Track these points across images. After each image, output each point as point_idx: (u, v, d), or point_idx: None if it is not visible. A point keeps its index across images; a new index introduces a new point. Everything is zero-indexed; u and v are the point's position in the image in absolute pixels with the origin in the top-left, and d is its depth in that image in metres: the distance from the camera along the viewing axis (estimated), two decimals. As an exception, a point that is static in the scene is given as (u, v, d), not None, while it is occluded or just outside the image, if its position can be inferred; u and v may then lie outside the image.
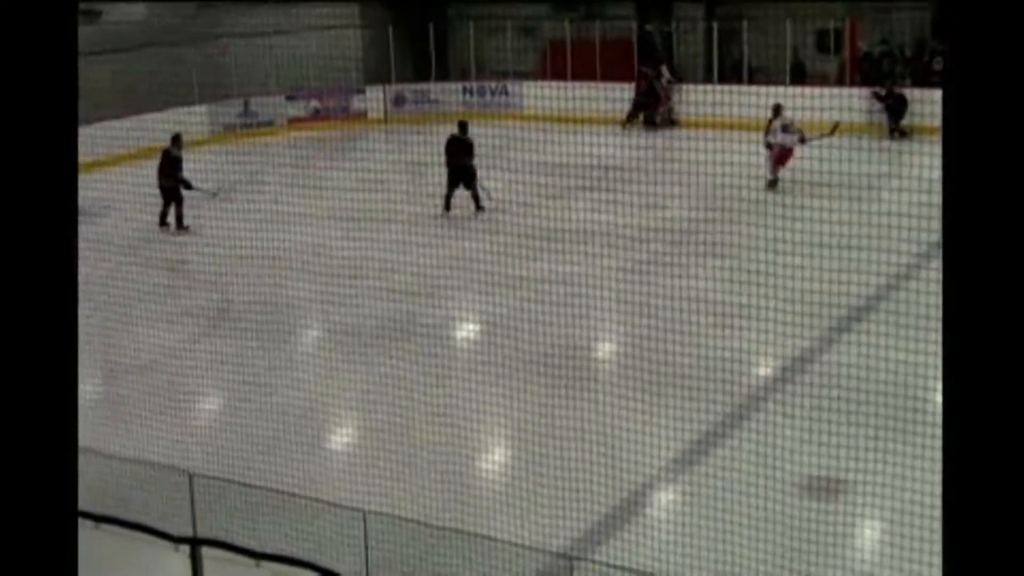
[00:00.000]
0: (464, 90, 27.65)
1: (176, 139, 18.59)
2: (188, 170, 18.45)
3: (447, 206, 18.23)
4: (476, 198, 18.11)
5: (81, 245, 13.43)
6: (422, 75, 28.38)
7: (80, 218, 14.17)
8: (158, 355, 12.38)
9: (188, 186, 18.19)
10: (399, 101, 27.73)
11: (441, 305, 13.48)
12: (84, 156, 18.58)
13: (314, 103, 26.86)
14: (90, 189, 18.22)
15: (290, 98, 26.41)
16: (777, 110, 19.25)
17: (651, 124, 25.49)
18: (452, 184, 18.23)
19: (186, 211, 18.13)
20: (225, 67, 25.41)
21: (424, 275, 13.89)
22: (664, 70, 26.06)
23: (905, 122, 23.20)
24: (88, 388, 12.70)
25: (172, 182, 18.26)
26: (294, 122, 26.12)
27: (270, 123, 26.16)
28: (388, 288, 13.04)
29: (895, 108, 23.63)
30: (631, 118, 25.57)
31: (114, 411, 11.14)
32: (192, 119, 22.80)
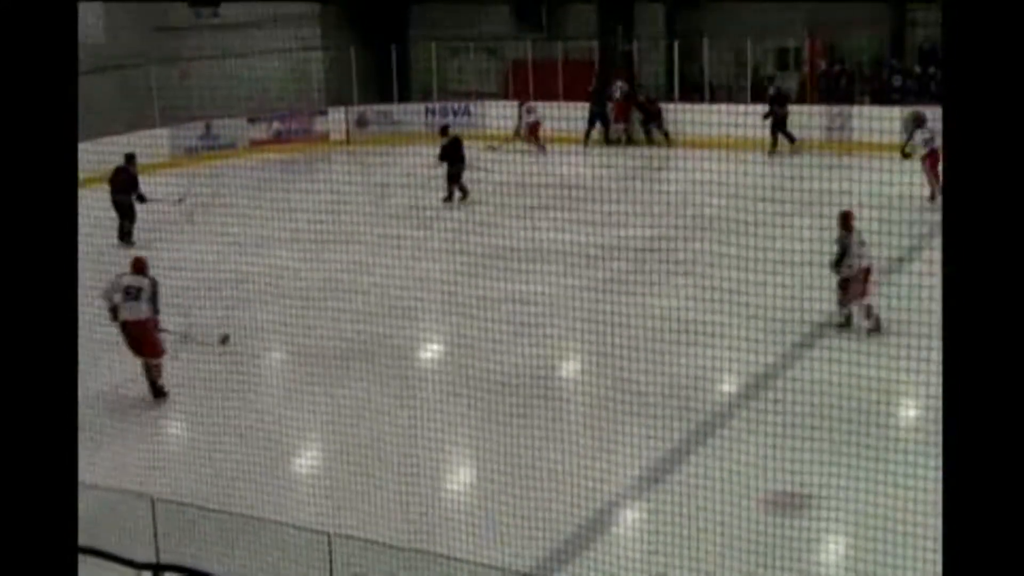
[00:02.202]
0: (427, 111, 27.71)
1: (130, 157, 18.96)
2: (150, 194, 18.45)
3: (449, 196, 20.19)
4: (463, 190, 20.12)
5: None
6: (385, 96, 28.43)
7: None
8: (121, 380, 12.27)
9: (143, 199, 18.49)
10: (362, 122, 27.75)
11: (405, 327, 13.46)
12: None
13: (276, 125, 26.81)
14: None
15: (252, 120, 26.35)
16: (919, 120, 18.31)
17: (611, 143, 25.59)
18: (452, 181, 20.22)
19: (147, 230, 18.13)
20: (186, 90, 25.32)
21: (387, 297, 13.87)
22: (618, 86, 26.17)
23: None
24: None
25: (127, 198, 18.57)
26: (256, 144, 26.05)
27: (232, 145, 26.06)
28: (351, 310, 13.01)
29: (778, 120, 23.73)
30: (587, 137, 25.66)
31: (95, 430, 11.05)
32: (153, 142, 22.73)
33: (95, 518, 8.51)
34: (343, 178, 21.44)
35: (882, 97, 25.40)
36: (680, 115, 23.54)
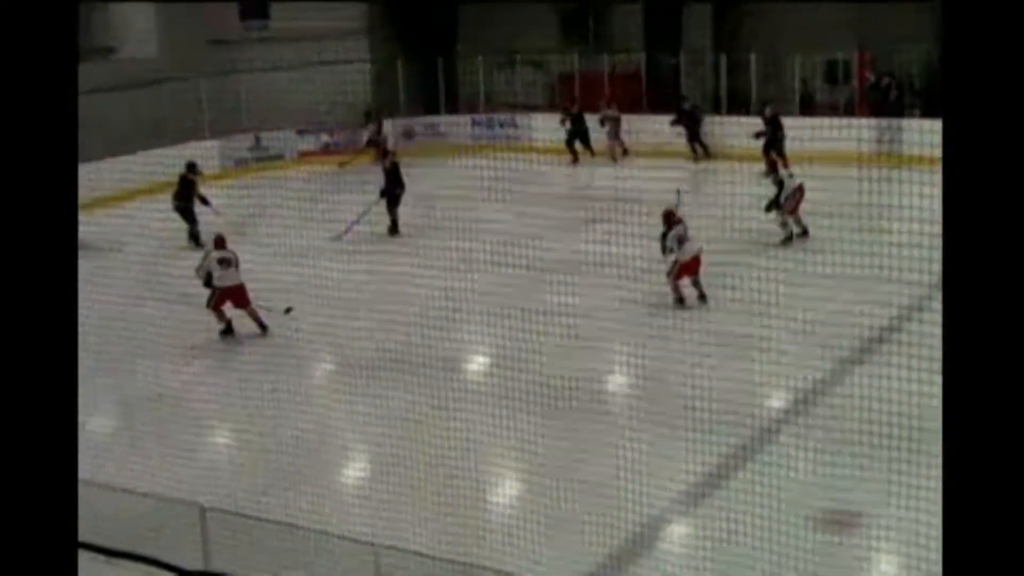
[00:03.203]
0: (473, 123, 27.73)
1: (192, 166, 19.88)
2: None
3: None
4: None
5: (95, 278, 13.49)
6: (431, 108, 28.48)
7: (91, 253, 14.28)
8: (171, 387, 12.37)
9: (205, 202, 19.47)
10: (408, 134, 27.81)
11: (451, 338, 13.44)
12: (95, 192, 18.72)
13: (324, 137, 26.93)
14: (100, 225, 18.43)
15: (300, 132, 26.49)
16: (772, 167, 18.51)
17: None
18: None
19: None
20: (236, 102, 25.53)
21: (434, 307, 13.85)
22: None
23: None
24: (102, 421, 12.70)
25: (184, 203, 19.46)
26: (304, 156, 26.19)
27: (280, 157, 26.22)
28: (397, 320, 13.01)
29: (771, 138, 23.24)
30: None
31: (128, 444, 11.13)
32: (203, 153, 22.92)
33: (145, 525, 8.57)
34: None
35: (932, 110, 25.14)
36: (727, 128, 23.39)
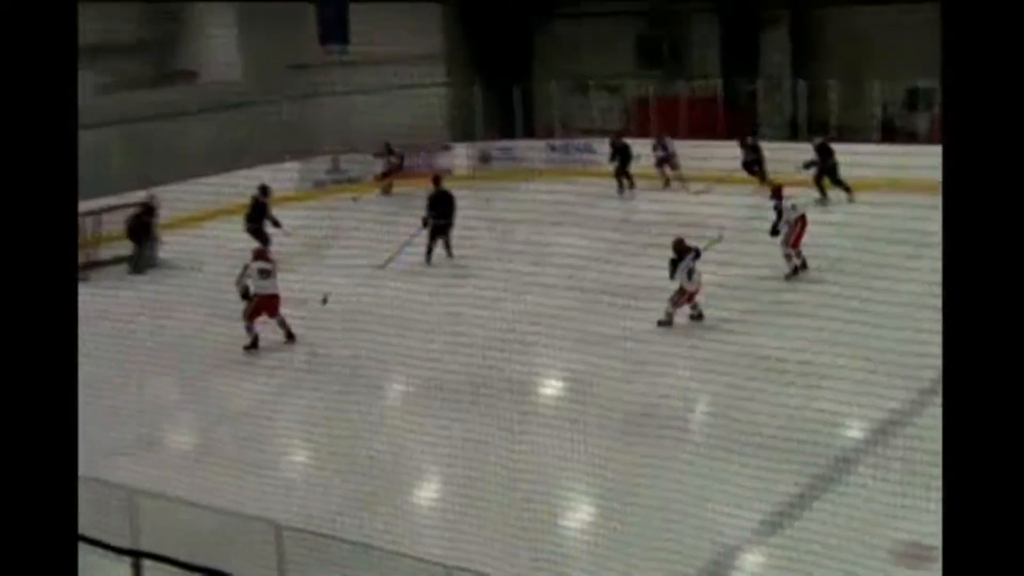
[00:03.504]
0: (549, 148, 27.77)
1: (264, 189, 20.18)
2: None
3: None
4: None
5: (171, 298, 13.73)
6: (507, 133, 28.57)
7: (171, 271, 14.57)
8: (248, 407, 12.52)
9: (277, 224, 19.69)
10: (485, 158, 27.92)
11: (521, 361, 13.43)
12: (177, 212, 19.11)
13: (399, 160, 27.10)
14: (181, 244, 18.74)
15: (378, 155, 26.72)
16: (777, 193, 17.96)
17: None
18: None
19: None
20: (316, 125, 25.86)
21: (505, 331, 13.87)
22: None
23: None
24: (180, 436, 12.90)
25: (256, 224, 19.66)
26: (380, 178, 26.39)
27: (358, 179, 26.46)
28: (471, 344, 13.04)
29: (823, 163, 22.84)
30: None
31: (205, 460, 11.28)
32: (282, 175, 23.28)
33: (220, 541, 8.66)
34: (466, 213, 21.62)
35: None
36: (802, 156, 23.14)
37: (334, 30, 26.54)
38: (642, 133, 26.27)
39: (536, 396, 13.16)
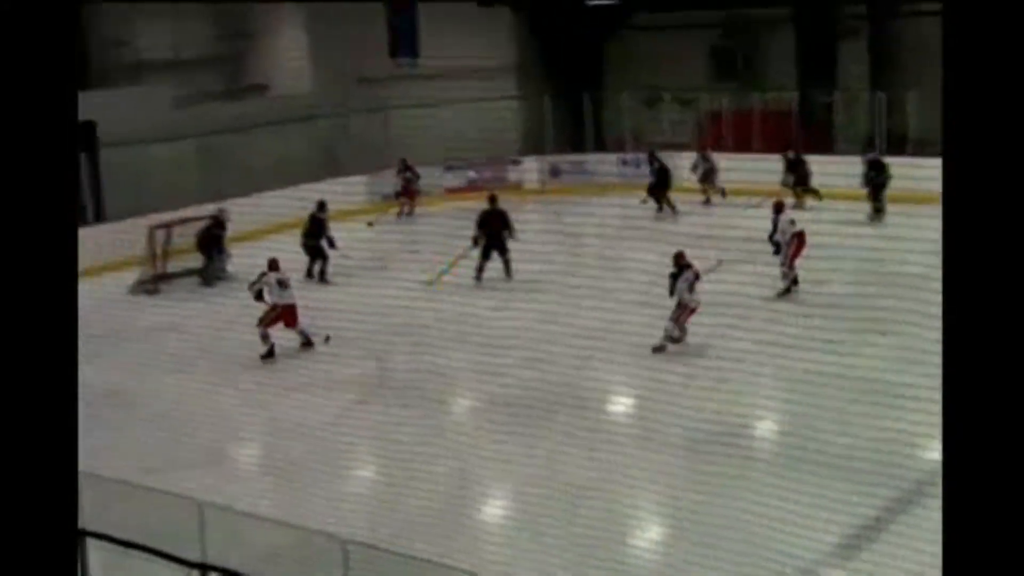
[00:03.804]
0: (621, 162, 27.68)
1: (322, 205, 20.04)
2: (346, 238, 19.24)
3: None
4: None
5: (236, 312, 13.85)
6: (578, 146, 28.55)
7: (236, 285, 14.65)
8: (316, 422, 12.61)
9: (332, 244, 19.66)
10: (555, 172, 27.89)
11: (593, 377, 13.40)
12: (244, 226, 19.34)
13: (471, 174, 27.20)
14: (247, 257, 18.97)
15: (447, 168, 26.81)
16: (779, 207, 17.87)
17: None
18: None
19: (343, 274, 18.81)
20: (385, 138, 26.02)
21: (576, 347, 13.84)
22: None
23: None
24: (247, 452, 13.04)
25: (314, 241, 19.72)
26: (451, 192, 26.49)
27: (427, 193, 26.56)
28: (541, 359, 13.02)
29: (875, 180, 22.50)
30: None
31: (272, 474, 11.38)
32: (349, 189, 23.44)
33: (285, 555, 8.72)
34: (536, 227, 21.64)
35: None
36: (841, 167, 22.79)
37: (404, 43, 26.74)
38: (715, 147, 26.09)
39: (605, 413, 13.09)
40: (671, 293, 14.58)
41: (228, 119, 24.40)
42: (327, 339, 15.48)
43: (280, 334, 15.41)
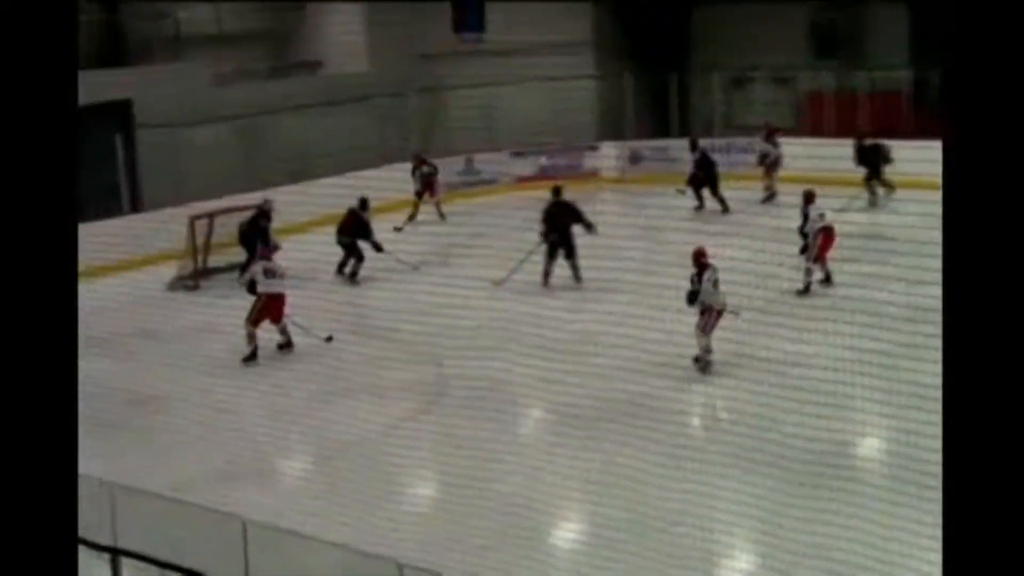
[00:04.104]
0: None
1: (364, 202, 20.16)
2: (408, 231, 19.40)
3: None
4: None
5: (290, 310, 13.91)
6: (661, 130, 28.46)
7: (286, 281, 15.03)
8: (369, 432, 12.75)
9: (378, 248, 19.94)
10: (635, 159, 27.86)
11: (673, 387, 13.40)
12: (298, 216, 19.56)
13: (542, 161, 27.23)
14: (300, 251, 19.19)
15: (516, 155, 26.87)
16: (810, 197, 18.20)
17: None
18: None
19: (399, 270, 19.10)
20: (447, 121, 26.15)
21: (655, 352, 13.85)
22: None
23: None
24: (297, 465, 13.22)
25: (350, 239, 20.04)
26: (520, 181, 26.52)
27: (494, 182, 26.65)
28: (615, 366, 13.06)
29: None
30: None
31: (323, 491, 11.54)
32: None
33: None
34: (614, 220, 21.62)
35: None
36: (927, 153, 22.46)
37: (470, 17, 26.89)
38: (815, 131, 25.88)
39: (689, 427, 13.09)
40: (690, 301, 14.52)
41: (275, 99, 24.68)
42: (328, 339, 15.83)
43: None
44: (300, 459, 13.45)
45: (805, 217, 17.68)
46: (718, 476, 10.66)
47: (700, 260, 14.71)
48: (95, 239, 18.85)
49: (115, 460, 12.04)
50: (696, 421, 13.50)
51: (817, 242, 17.46)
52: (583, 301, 16.05)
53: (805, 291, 17.20)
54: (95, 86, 22.64)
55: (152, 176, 23.45)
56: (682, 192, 23.52)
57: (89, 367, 15.37)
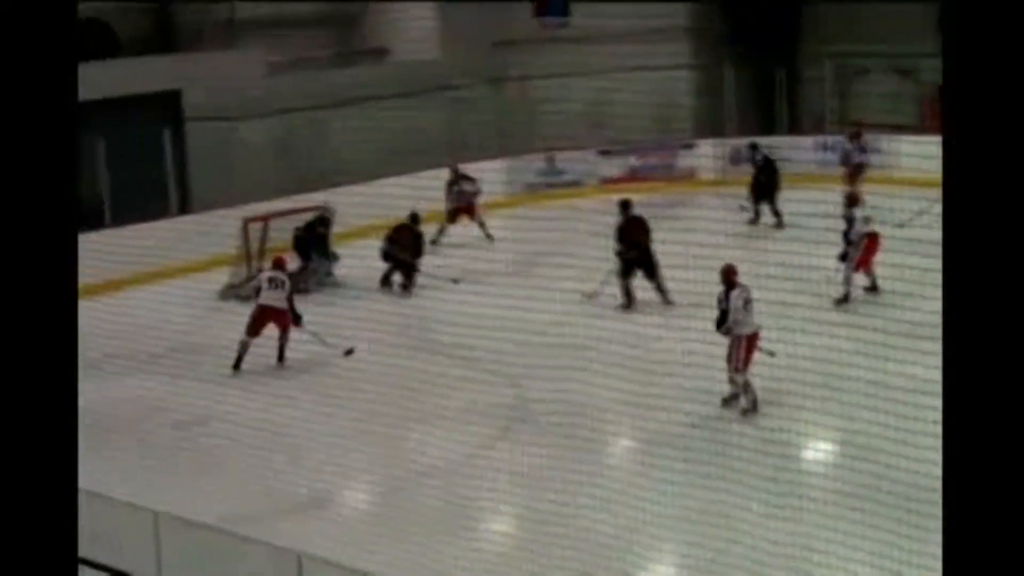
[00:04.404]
0: (820, 146, 27.38)
1: (415, 217, 20.59)
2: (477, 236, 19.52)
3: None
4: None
5: (342, 324, 14.11)
6: (766, 127, 28.31)
7: (343, 291, 15.08)
8: (441, 460, 12.85)
9: (411, 267, 20.51)
10: (737, 159, 27.67)
11: (776, 415, 13.35)
12: (356, 220, 19.63)
13: (632, 160, 27.20)
14: (358, 258, 19.28)
15: (603, 153, 26.84)
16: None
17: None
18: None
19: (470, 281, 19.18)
20: (527, 115, 26.18)
21: (757, 376, 13.82)
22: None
23: None
24: (356, 495, 13.36)
25: (394, 250, 20.50)
26: (607, 183, 26.47)
27: (578, 183, 26.61)
28: (710, 391, 13.03)
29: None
30: None
31: (391, 524, 11.66)
32: (487, 176, 23.63)
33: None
34: (712, 227, 21.47)
35: None
36: None
37: (553, 1, 26.95)
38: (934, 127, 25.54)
39: (797, 461, 13.01)
40: (718, 325, 14.28)
41: (338, 90, 24.82)
42: (350, 352, 16.32)
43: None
44: (362, 490, 13.58)
45: (850, 221, 17.95)
46: (826, 516, 10.61)
47: (729, 278, 14.59)
48: (140, 243, 19.27)
49: (161, 488, 12.29)
50: (806, 453, 13.41)
51: (861, 248, 17.81)
52: (673, 317, 16.02)
53: (844, 300, 17.51)
54: (141, 75, 23.17)
55: (202, 174, 23.76)
56: (745, 209, 23.30)
57: (134, 386, 15.87)
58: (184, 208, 23.61)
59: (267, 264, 20.52)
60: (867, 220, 18.00)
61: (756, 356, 14.23)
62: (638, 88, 25.08)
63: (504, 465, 12.64)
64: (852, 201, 18.51)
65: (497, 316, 15.28)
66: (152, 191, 22.95)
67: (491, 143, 25.38)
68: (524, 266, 19.02)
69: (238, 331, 17.49)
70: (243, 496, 12.46)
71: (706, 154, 27.22)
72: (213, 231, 20.34)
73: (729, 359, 14.24)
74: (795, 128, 28.33)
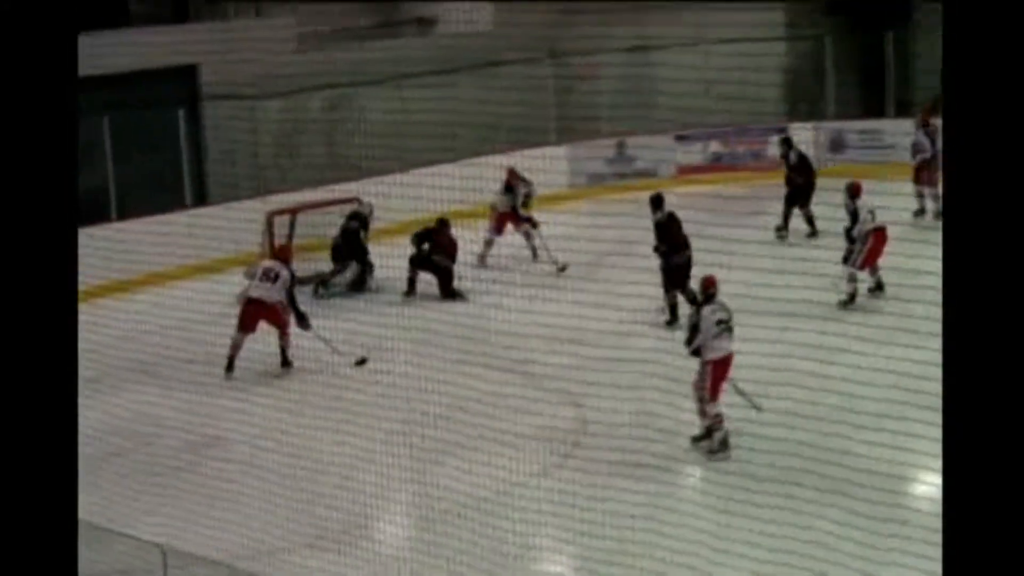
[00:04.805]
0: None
1: (443, 223, 20.86)
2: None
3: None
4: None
5: (378, 338, 14.20)
6: (872, 108, 28.17)
7: (381, 295, 15.22)
8: (492, 488, 12.98)
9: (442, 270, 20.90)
10: (837, 145, 27.59)
11: (873, 439, 13.34)
12: (396, 215, 19.65)
13: (714, 146, 27.20)
14: (396, 257, 19.27)
15: (680, 138, 26.82)
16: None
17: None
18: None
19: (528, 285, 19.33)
20: (594, 94, 26.18)
21: (848, 394, 13.81)
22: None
23: None
24: (388, 530, 13.50)
25: (437, 259, 20.84)
26: (685, 172, 26.54)
27: (652, 173, 26.55)
28: (795, 412, 13.10)
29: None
30: None
31: (424, 563, 11.82)
32: (545, 165, 23.61)
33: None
34: (806, 226, 21.36)
35: None
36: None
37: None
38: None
39: (899, 495, 12.99)
40: (688, 343, 14.32)
41: (377, 65, 24.83)
42: (362, 361, 16.77)
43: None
44: (399, 522, 13.72)
45: (853, 216, 18.47)
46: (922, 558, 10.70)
47: (707, 290, 14.52)
48: (150, 239, 19.48)
49: (172, 519, 12.51)
50: (907, 487, 13.44)
51: (867, 246, 18.29)
52: (750, 329, 16.02)
53: (850, 302, 18.05)
54: (153, 48, 23.33)
55: (221, 159, 23.87)
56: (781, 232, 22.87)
57: (143, 402, 16.06)
58: (200, 199, 23.75)
59: (296, 264, 20.79)
60: (871, 214, 18.46)
61: (725, 386, 14.13)
62: (722, 63, 24.96)
63: (560, 495, 12.73)
64: (854, 192, 18.83)
65: (554, 326, 15.40)
66: (164, 179, 23.18)
67: (552, 126, 25.39)
68: (592, 268, 19.08)
69: (264, 339, 17.68)
70: (262, 529, 12.60)
71: (801, 140, 27.00)
72: (233, 226, 20.37)
73: (696, 386, 14.20)
74: (904, 110, 27.94)
